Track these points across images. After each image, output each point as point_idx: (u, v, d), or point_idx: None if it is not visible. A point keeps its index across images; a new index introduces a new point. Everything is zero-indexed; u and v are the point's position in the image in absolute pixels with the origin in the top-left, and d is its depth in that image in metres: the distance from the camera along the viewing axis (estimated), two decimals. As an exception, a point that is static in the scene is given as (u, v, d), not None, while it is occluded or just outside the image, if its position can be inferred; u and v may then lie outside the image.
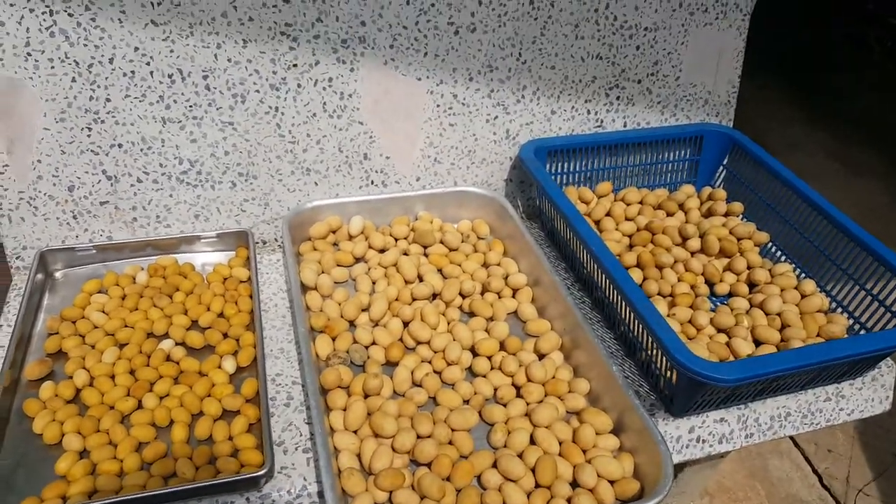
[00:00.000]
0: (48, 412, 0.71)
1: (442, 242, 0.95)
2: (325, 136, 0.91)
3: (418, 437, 0.70)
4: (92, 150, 0.85)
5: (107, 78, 0.81)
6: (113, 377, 0.75)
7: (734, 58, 1.04)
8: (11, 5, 0.75)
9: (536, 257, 0.87)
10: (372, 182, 0.97)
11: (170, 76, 0.83)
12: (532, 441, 0.71)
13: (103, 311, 0.83)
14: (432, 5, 0.86)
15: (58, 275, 0.89)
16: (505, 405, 0.75)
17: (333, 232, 0.95)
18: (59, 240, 0.90)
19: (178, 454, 0.68)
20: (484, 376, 0.78)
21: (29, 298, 0.81)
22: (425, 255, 0.94)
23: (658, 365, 0.74)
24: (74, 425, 0.70)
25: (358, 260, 0.94)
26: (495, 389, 0.76)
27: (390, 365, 0.79)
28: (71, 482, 0.65)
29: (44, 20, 0.77)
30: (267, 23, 0.82)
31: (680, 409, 0.75)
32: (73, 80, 0.80)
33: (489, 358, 0.80)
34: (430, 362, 0.79)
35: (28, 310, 0.81)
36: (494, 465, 0.68)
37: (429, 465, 0.68)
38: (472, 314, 0.86)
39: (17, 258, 0.89)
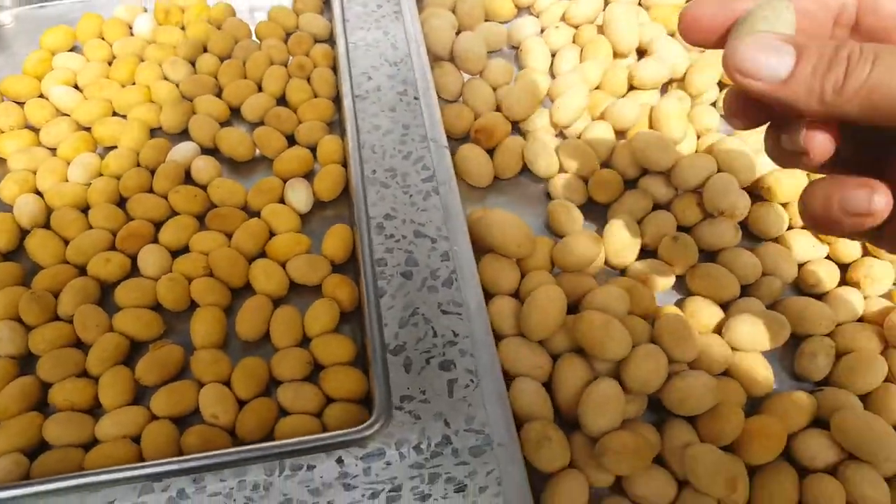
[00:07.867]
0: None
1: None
2: None
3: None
4: None
5: None
6: (86, 211, 0.40)
7: None
8: None
9: None
10: None
11: None
12: None
13: (76, 87, 0.46)
14: None
15: (3, 17, 0.51)
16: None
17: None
18: (-4, -48, 0.51)
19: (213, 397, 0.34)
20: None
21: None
22: (640, 3, 0.52)
23: None
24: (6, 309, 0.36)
25: (521, 11, 0.53)
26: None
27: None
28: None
29: None
30: None
31: None
32: None
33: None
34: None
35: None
36: None
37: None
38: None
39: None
